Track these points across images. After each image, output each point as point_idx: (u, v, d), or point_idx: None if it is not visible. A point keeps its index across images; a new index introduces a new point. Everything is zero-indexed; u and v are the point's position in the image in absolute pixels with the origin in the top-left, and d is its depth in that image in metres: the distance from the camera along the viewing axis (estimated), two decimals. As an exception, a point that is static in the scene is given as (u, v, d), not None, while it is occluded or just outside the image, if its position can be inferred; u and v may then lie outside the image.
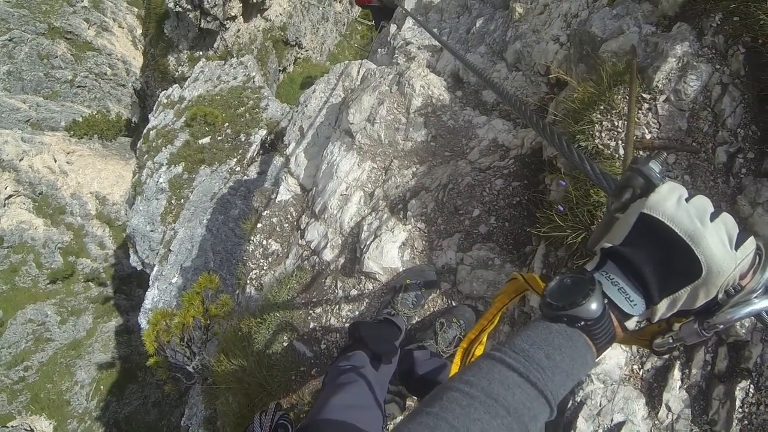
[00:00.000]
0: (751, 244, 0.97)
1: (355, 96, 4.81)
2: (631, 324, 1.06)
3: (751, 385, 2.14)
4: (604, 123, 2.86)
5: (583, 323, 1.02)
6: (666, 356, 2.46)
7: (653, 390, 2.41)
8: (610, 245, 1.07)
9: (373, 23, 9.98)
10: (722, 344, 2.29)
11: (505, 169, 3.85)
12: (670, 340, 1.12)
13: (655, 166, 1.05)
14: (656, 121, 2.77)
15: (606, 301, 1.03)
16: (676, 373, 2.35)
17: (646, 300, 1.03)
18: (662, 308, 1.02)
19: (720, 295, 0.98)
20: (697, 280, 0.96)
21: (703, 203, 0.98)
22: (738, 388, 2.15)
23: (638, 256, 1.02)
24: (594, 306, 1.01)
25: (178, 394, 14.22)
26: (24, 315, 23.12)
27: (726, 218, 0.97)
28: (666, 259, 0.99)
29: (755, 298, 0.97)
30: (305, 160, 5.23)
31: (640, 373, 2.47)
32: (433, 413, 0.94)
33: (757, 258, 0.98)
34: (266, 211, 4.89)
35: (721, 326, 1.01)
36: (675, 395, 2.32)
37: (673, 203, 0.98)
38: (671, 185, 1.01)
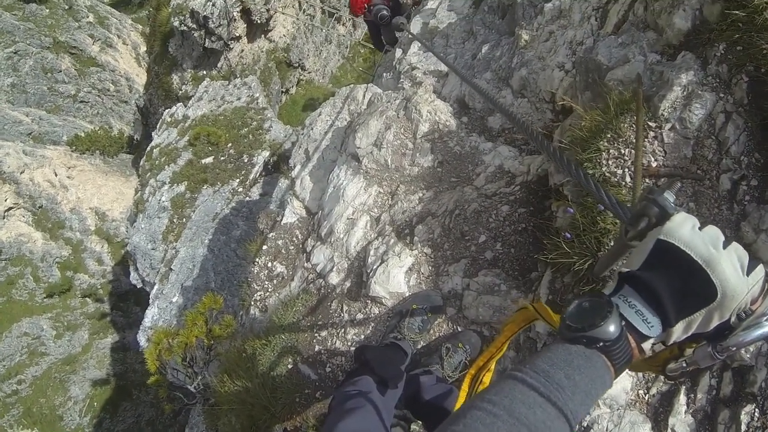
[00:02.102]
0: (761, 270, 1.03)
1: (362, 120, 4.86)
2: (647, 346, 1.10)
3: (756, 409, 2.16)
4: (611, 151, 2.89)
5: (601, 344, 1.05)
6: (678, 380, 2.48)
7: (659, 415, 2.43)
8: (628, 270, 1.12)
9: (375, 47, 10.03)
10: (727, 369, 2.32)
11: (511, 195, 3.89)
12: (684, 364, 1.17)
13: (669, 196, 1.11)
14: (662, 149, 2.81)
15: (623, 323, 1.07)
16: (682, 398, 2.38)
17: (663, 322, 1.06)
18: (678, 331, 1.06)
19: (732, 319, 1.03)
20: (713, 302, 1.01)
21: (716, 232, 1.04)
22: (743, 412, 2.17)
23: (656, 280, 1.06)
24: (612, 327, 1.05)
25: (173, 414, 14.12)
26: (19, 328, 22.96)
27: (737, 246, 1.03)
28: (682, 283, 1.04)
29: (766, 321, 1.03)
30: (311, 183, 5.26)
31: (646, 398, 2.50)
32: (457, 431, 0.97)
33: (766, 285, 1.04)
34: (272, 234, 4.91)
35: (734, 348, 1.06)
36: (681, 420, 2.34)
37: (688, 230, 1.04)
38: (685, 215, 1.07)
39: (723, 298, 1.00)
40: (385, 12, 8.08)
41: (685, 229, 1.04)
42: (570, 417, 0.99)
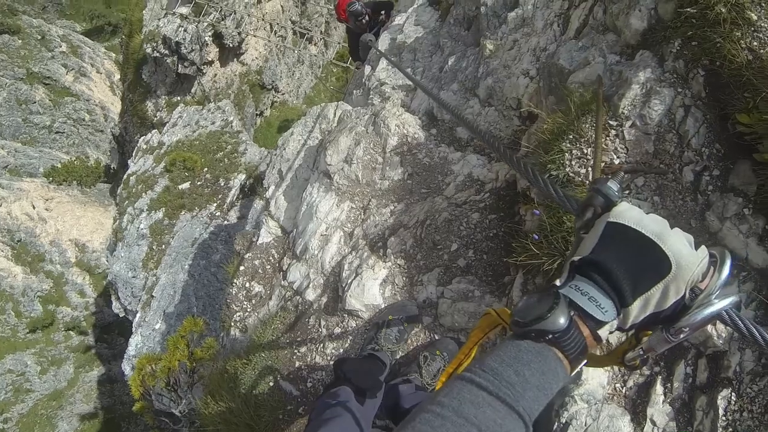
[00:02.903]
0: (703, 250, 1.07)
1: (332, 137, 4.90)
2: (604, 333, 1.08)
3: (733, 393, 2.19)
4: (573, 151, 2.97)
5: (550, 336, 1.04)
6: (639, 369, 2.50)
7: (637, 406, 2.45)
8: (580, 257, 1.14)
9: (347, 64, 10.16)
10: (701, 356, 2.36)
11: (481, 202, 3.94)
12: (641, 351, 1.17)
13: (613, 185, 1.17)
14: (624, 147, 2.88)
15: (573, 313, 1.06)
16: (659, 388, 2.40)
17: (617, 305, 1.06)
18: (635, 309, 1.06)
19: (687, 295, 1.05)
20: (668, 275, 1.03)
21: (660, 217, 1.09)
22: (720, 397, 2.20)
23: (609, 261, 1.08)
24: (560, 319, 1.04)
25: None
26: (3, 365, 22.62)
27: (680, 230, 1.08)
28: (636, 261, 1.07)
29: (715, 299, 1.04)
30: (285, 203, 5.29)
31: (623, 390, 2.52)
32: None
33: (712, 266, 1.07)
34: (248, 254, 4.93)
35: (687, 329, 1.06)
36: (659, 409, 2.36)
37: (636, 212, 1.10)
38: (629, 204, 1.13)
39: (678, 270, 1.03)
40: (358, 8, 8.57)
41: (633, 212, 1.10)
42: (522, 413, 0.98)
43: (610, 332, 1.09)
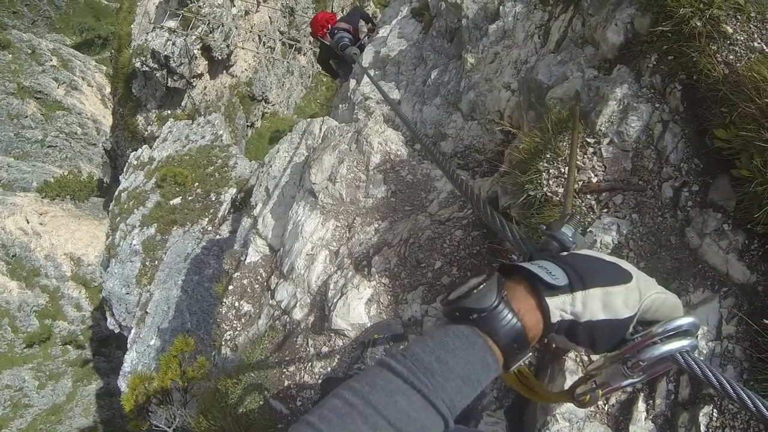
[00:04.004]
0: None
1: (316, 156, 4.94)
2: (555, 306, 0.98)
3: (714, 410, 2.17)
4: (551, 171, 2.95)
5: (476, 315, 0.95)
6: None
7: (619, 424, 2.42)
8: (543, 251, 1.13)
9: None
10: (683, 372, 2.33)
11: (464, 219, 3.98)
12: (593, 385, 1.14)
13: (568, 231, 1.20)
14: (601, 164, 2.86)
15: (504, 293, 0.97)
16: (641, 405, 2.38)
17: (572, 281, 1.00)
18: (596, 298, 0.99)
19: (634, 322, 1.03)
20: (629, 282, 1.02)
21: None
22: (702, 413, 2.18)
23: (572, 258, 1.08)
24: (487, 295, 0.95)
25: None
26: (1, 381, 22.58)
27: None
28: (599, 267, 1.06)
29: (674, 335, 1.03)
30: (272, 221, 5.33)
31: (605, 408, 2.48)
32: (311, 423, 0.86)
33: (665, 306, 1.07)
34: (237, 273, 4.97)
35: (645, 363, 1.02)
36: (641, 426, 2.34)
37: (596, 252, 1.11)
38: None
39: (637, 282, 1.03)
40: (346, 41, 8.18)
41: (593, 252, 1.12)
42: (441, 406, 0.88)
43: (562, 315, 0.99)
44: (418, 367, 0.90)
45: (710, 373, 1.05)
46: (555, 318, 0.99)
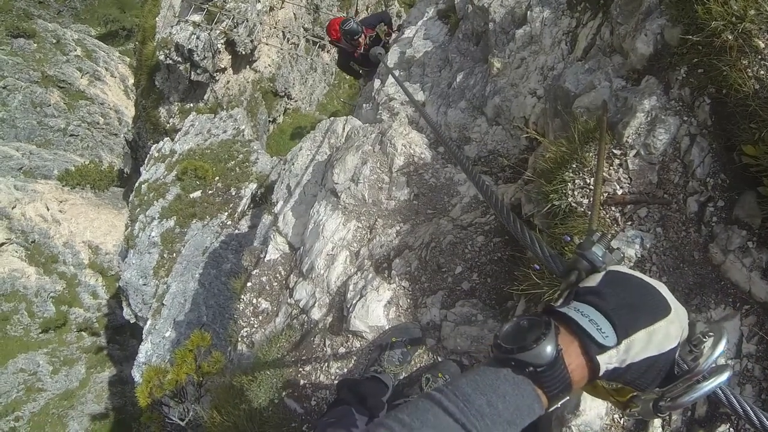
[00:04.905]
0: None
1: (339, 155, 4.94)
2: (603, 362, 0.99)
3: (731, 429, 2.17)
4: (576, 181, 2.92)
5: (531, 369, 0.96)
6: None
7: None
8: (583, 285, 1.11)
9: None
10: None
11: (486, 225, 3.96)
12: (636, 414, 1.12)
13: (598, 250, 1.18)
14: (627, 177, 2.83)
15: (560, 348, 0.98)
16: (657, 421, 2.36)
17: (618, 332, 0.98)
18: (639, 342, 0.99)
19: (678, 351, 1.03)
20: (669, 315, 1.01)
21: None
22: None
23: (611, 293, 1.05)
24: (546, 350, 0.96)
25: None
26: (15, 364, 22.80)
27: None
28: (638, 298, 1.04)
29: (707, 374, 1.01)
30: (293, 219, 5.34)
31: (621, 422, 2.47)
32: None
33: (701, 337, 1.07)
34: (255, 270, 4.98)
35: (674, 408, 1.03)
36: None
37: (629, 269, 1.11)
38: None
39: (676, 313, 1.02)
40: (354, 26, 8.25)
41: (626, 269, 1.12)
42: None
43: (608, 367, 1.00)
44: (468, 408, 0.92)
45: (750, 411, 1.05)
46: (602, 372, 1.00)
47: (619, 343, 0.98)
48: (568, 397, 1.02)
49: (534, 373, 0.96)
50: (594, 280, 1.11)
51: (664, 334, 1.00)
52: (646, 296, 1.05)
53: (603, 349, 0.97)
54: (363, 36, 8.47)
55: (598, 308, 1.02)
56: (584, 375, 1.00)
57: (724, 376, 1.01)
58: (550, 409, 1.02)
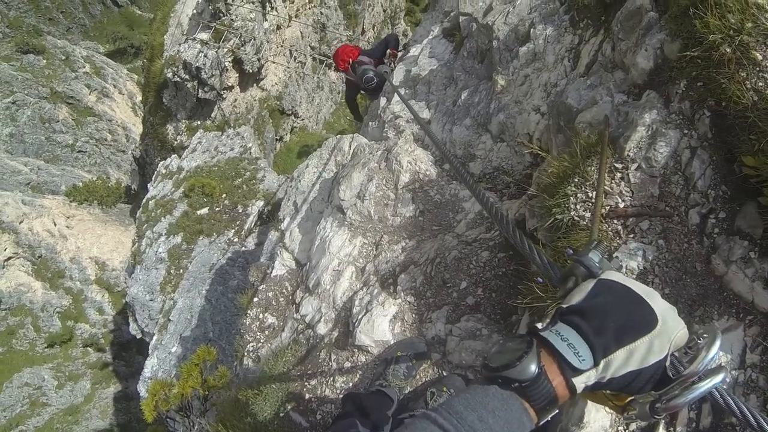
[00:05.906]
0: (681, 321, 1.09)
1: (345, 172, 4.99)
2: (579, 382, 1.04)
3: None
4: (578, 195, 2.95)
5: (517, 385, 1.03)
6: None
7: None
8: (567, 305, 1.14)
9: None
10: (705, 401, 2.29)
11: (490, 240, 3.99)
12: (633, 416, 1.14)
13: (594, 257, 1.21)
14: (629, 190, 2.86)
15: (542, 364, 1.05)
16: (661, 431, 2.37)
17: (597, 354, 1.03)
18: (618, 360, 1.04)
19: (668, 360, 1.05)
20: (654, 330, 1.04)
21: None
22: None
23: (595, 310, 1.09)
24: (529, 368, 1.03)
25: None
26: (20, 378, 22.84)
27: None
28: (623, 313, 1.07)
29: (702, 376, 1.03)
30: (299, 235, 5.38)
31: None
32: None
33: (700, 341, 1.09)
34: (262, 286, 5.01)
35: (669, 409, 1.05)
36: None
37: (623, 275, 1.15)
38: (615, 271, 1.18)
39: (664, 326, 1.04)
40: (371, 74, 8.07)
41: (620, 274, 1.16)
42: None
43: (586, 384, 1.06)
44: (462, 424, 0.98)
45: (746, 410, 1.08)
46: (580, 389, 1.06)
47: (596, 364, 1.04)
48: (557, 410, 1.08)
49: (519, 387, 1.04)
50: (582, 292, 1.15)
51: (646, 350, 1.04)
52: (632, 310, 1.08)
53: (577, 372, 1.04)
54: (375, 80, 8.25)
55: (579, 330, 1.07)
56: (566, 392, 1.06)
57: (719, 377, 1.04)
58: (540, 423, 1.08)
